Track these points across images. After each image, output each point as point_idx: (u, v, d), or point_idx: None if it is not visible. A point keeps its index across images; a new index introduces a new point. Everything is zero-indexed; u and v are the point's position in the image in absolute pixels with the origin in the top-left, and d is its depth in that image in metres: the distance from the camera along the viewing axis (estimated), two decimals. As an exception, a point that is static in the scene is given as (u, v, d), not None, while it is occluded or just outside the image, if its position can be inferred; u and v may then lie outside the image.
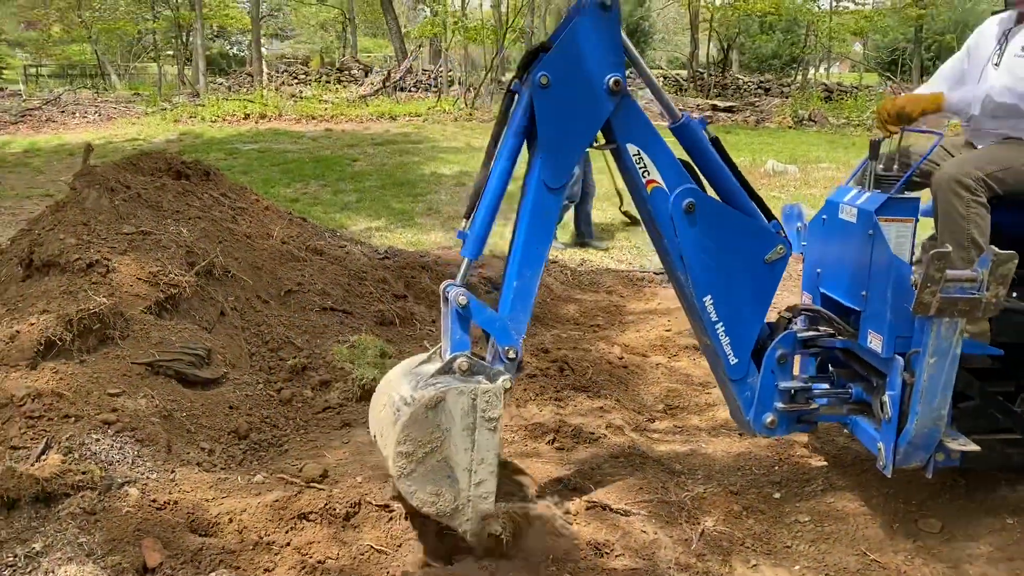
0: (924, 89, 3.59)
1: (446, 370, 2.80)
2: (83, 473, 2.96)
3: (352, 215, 9.41)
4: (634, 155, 2.94)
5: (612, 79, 2.81)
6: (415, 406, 2.69)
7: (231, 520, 3.05)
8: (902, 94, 3.82)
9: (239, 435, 3.67)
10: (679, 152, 3.06)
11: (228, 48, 41.80)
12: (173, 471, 3.25)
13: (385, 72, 26.64)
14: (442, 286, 2.95)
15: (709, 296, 3.10)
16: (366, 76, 27.78)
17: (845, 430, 4.04)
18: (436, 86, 25.02)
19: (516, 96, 2.89)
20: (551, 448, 3.81)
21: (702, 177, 3.09)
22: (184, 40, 30.51)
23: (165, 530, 2.90)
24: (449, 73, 24.94)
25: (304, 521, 3.09)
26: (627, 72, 2.89)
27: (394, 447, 2.71)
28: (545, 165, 2.85)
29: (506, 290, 2.91)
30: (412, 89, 25.84)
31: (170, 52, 32.70)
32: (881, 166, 3.28)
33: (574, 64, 2.79)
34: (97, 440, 3.18)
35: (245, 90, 25.04)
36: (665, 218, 3.00)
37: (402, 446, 2.70)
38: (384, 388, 3.10)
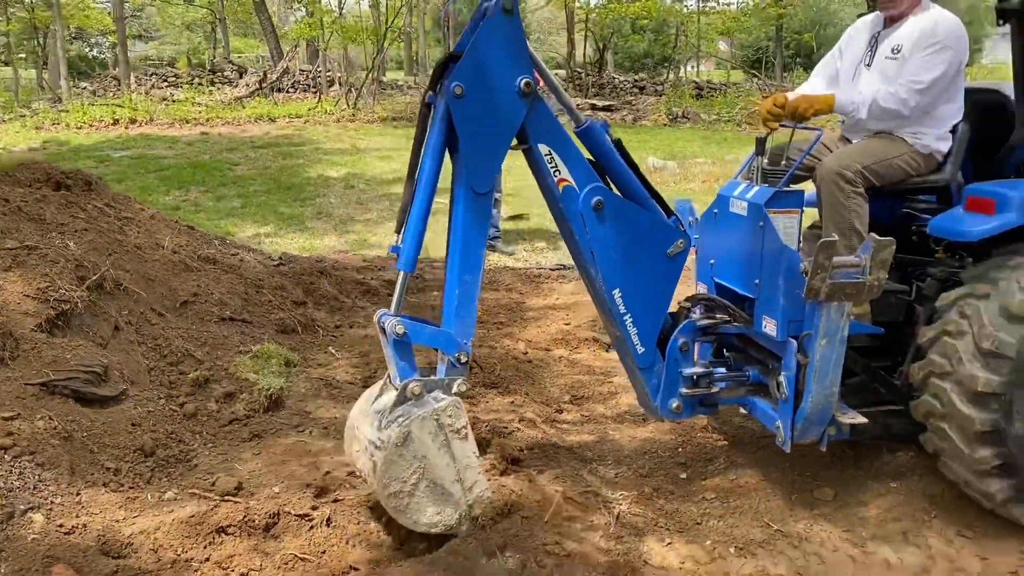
0: (805, 88, 3.84)
1: (401, 400, 2.86)
2: (-18, 502, 2.81)
3: (238, 221, 9.15)
4: (546, 155, 3.03)
5: (523, 81, 2.89)
6: (387, 449, 2.79)
7: (145, 540, 2.96)
8: (775, 92, 4.07)
9: (145, 452, 3.55)
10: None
11: (87, 51, 39.65)
12: (79, 493, 3.13)
13: (261, 73, 25.92)
14: (376, 316, 3.01)
15: (617, 289, 3.24)
16: (240, 77, 26.94)
17: (742, 411, 4.28)
18: (315, 87, 24.55)
19: (432, 108, 2.93)
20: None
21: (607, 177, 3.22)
22: (41, 42, 28.74)
23: (76, 555, 2.79)
24: (328, 73, 24.52)
25: (222, 535, 3.03)
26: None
27: (382, 492, 2.83)
28: (470, 172, 2.92)
29: (449, 298, 2.97)
30: (290, 90, 25.25)
31: (22, 55, 30.73)
32: (767, 161, 3.50)
33: (485, 71, 2.85)
34: (-6, 467, 3.02)
35: (111, 94, 23.85)
36: (576, 215, 3.12)
37: (388, 488, 2.81)
38: (350, 432, 3.16)
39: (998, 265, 3.12)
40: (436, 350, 3.01)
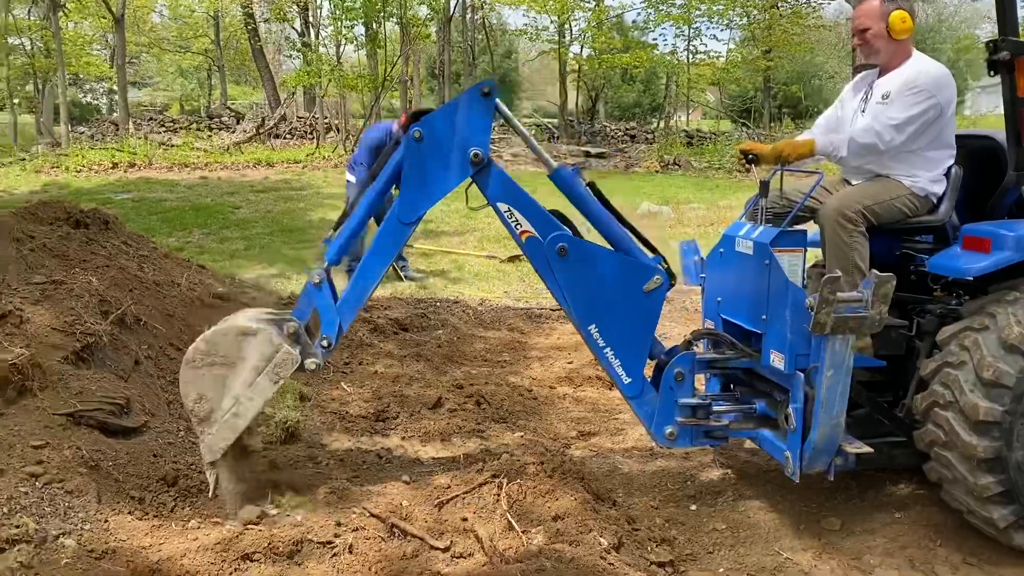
0: (804, 136, 4.02)
1: (276, 323, 3.29)
2: (16, 527, 2.88)
3: (242, 263, 9.27)
4: (505, 211, 3.37)
5: (473, 151, 3.27)
6: (230, 326, 3.24)
7: (172, 566, 3.01)
8: (768, 140, 4.28)
9: (167, 482, 3.61)
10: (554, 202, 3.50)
11: (82, 97, 40.06)
12: (106, 520, 3.18)
13: (259, 119, 26.27)
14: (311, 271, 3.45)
15: (593, 325, 3.44)
16: (238, 123, 27.31)
17: (746, 445, 4.40)
18: (313, 133, 24.88)
19: (398, 144, 3.36)
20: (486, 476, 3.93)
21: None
22: (40, 87, 29.07)
23: (107, 579, 2.85)
24: (325, 120, 24.88)
25: (248, 561, 3.08)
26: (501, 122, 3.41)
27: (195, 343, 3.25)
28: (402, 202, 3.34)
29: (346, 291, 3.40)
30: (287, 136, 25.59)
31: (16, 100, 31.03)
32: (770, 203, 3.66)
33: (446, 128, 3.27)
34: (26, 493, 3.09)
35: (109, 139, 24.09)
36: (542, 262, 3.39)
37: (201, 344, 3.23)
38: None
39: (995, 300, 3.27)
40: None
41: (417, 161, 3.29)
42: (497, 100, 3.31)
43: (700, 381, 4.07)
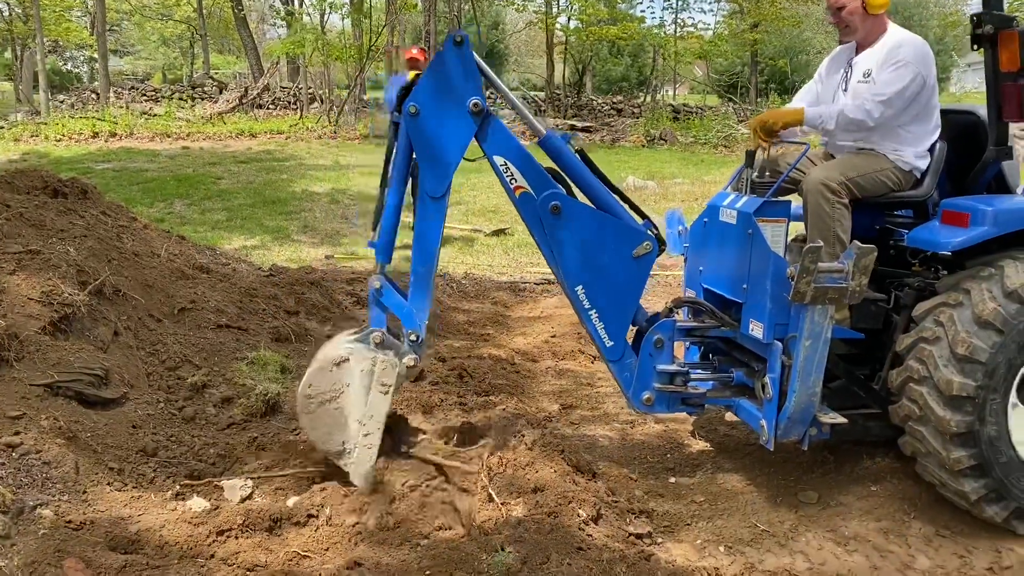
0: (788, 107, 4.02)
1: (361, 340, 3.33)
2: (-8, 497, 2.86)
3: (224, 234, 9.20)
4: (501, 165, 3.34)
5: (472, 102, 3.22)
6: (323, 360, 3.29)
7: (152, 536, 3.02)
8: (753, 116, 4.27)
9: (147, 453, 3.61)
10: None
11: (62, 64, 39.44)
12: (85, 491, 3.17)
13: (241, 89, 25.96)
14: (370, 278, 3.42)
15: (580, 286, 3.45)
16: (220, 93, 26.97)
17: (726, 418, 4.44)
18: (296, 104, 24.62)
19: (397, 126, 3.32)
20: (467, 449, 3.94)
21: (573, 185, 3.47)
22: (19, 55, 28.58)
23: (85, 550, 2.83)
24: (309, 90, 24.61)
25: (227, 533, 3.10)
26: (488, 93, 3.32)
27: (302, 389, 3.30)
28: (425, 179, 3.30)
29: (411, 285, 3.36)
30: (270, 107, 25.32)
31: (-7, 68, 30.55)
32: (755, 174, 3.66)
33: (437, 93, 3.23)
34: (2, 464, 3.07)
35: (90, 108, 23.76)
36: (534, 219, 3.38)
37: (306, 389, 3.28)
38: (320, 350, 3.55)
39: (971, 275, 3.29)
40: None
41: (422, 135, 3.25)
42: (480, 61, 3.27)
43: (680, 350, 4.10)
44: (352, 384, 3.25)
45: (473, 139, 3.31)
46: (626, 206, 3.52)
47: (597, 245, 3.40)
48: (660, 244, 3.46)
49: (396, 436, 3.57)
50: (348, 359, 3.24)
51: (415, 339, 3.33)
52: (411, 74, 8.62)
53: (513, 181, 3.35)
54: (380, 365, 3.24)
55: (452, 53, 3.21)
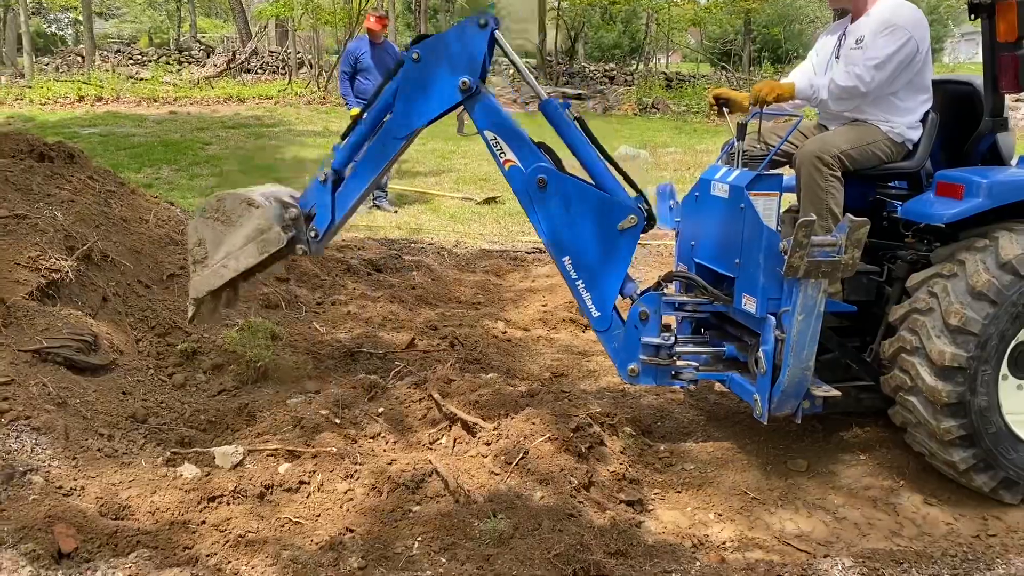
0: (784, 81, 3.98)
1: (282, 204, 3.59)
2: (-18, 464, 2.85)
3: (213, 200, 9.11)
4: (491, 140, 3.45)
5: (462, 80, 3.36)
6: (246, 193, 3.59)
7: (142, 503, 3.02)
8: (747, 84, 4.24)
9: (137, 420, 3.60)
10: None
11: (46, 27, 38.76)
12: (75, 457, 3.17)
13: (229, 53, 25.62)
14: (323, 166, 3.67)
15: (567, 257, 3.49)
16: (208, 57, 26.61)
17: (716, 388, 4.45)
18: (285, 68, 24.32)
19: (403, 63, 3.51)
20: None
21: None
22: (2, 16, 28.08)
23: (76, 516, 2.83)
24: (298, 55, 24.30)
25: (219, 499, 3.10)
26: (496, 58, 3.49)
27: (216, 195, 3.65)
28: (395, 117, 3.53)
29: (339, 192, 3.64)
30: (259, 71, 25.01)
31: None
32: (746, 147, 3.63)
33: (441, 53, 3.40)
34: (-9, 430, 3.05)
35: (75, 71, 23.40)
36: (523, 191, 3.47)
37: (217, 201, 3.60)
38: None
39: (965, 247, 3.29)
40: None
41: (411, 81, 3.44)
42: (497, 33, 3.37)
43: (675, 324, 4.10)
44: (244, 226, 3.52)
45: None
46: (619, 177, 3.50)
47: (582, 218, 3.45)
48: (650, 219, 3.45)
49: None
50: (258, 208, 3.51)
51: (314, 235, 3.64)
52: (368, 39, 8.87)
53: (503, 155, 3.45)
54: (271, 233, 3.51)
55: (473, 31, 3.35)
